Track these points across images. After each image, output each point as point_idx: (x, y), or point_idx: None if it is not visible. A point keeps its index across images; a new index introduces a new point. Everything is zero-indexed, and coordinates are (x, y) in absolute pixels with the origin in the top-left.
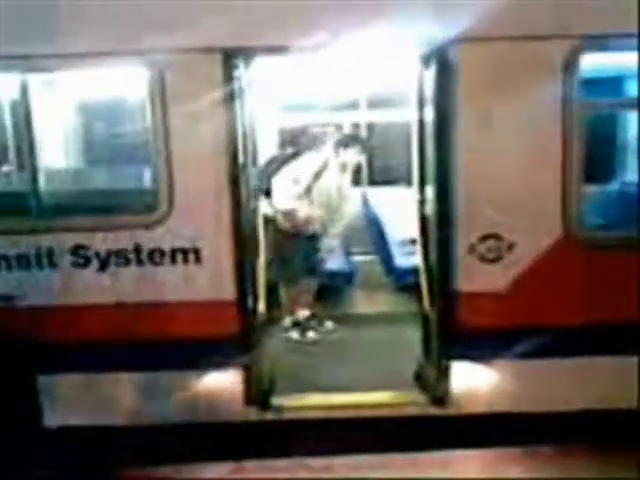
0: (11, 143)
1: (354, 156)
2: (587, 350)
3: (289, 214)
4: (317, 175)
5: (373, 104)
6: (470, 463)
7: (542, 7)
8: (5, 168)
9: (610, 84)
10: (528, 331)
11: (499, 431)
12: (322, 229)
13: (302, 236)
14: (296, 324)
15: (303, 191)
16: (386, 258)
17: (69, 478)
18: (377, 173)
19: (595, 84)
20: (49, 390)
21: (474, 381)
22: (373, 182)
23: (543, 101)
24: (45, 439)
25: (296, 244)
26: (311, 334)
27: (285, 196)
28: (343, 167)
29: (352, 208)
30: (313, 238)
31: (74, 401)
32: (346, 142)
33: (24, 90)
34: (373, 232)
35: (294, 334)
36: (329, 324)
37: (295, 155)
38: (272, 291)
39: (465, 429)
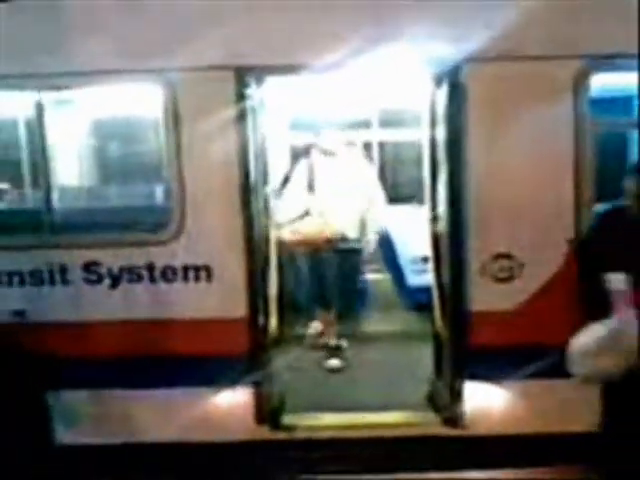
0: (26, 161)
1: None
2: None
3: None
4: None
5: (385, 123)
6: None
7: (552, 27)
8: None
9: (620, 104)
10: (542, 351)
11: (512, 452)
12: (355, 241)
13: (337, 250)
14: (327, 348)
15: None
16: (398, 277)
17: None
18: (388, 191)
19: (605, 103)
20: (60, 406)
21: (487, 402)
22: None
23: (554, 120)
24: (57, 456)
25: (333, 260)
26: (336, 361)
27: (284, 209)
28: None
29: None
30: (351, 253)
31: (85, 418)
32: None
33: (39, 108)
34: (385, 250)
35: (323, 358)
36: (343, 343)
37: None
38: (283, 309)
39: (478, 450)
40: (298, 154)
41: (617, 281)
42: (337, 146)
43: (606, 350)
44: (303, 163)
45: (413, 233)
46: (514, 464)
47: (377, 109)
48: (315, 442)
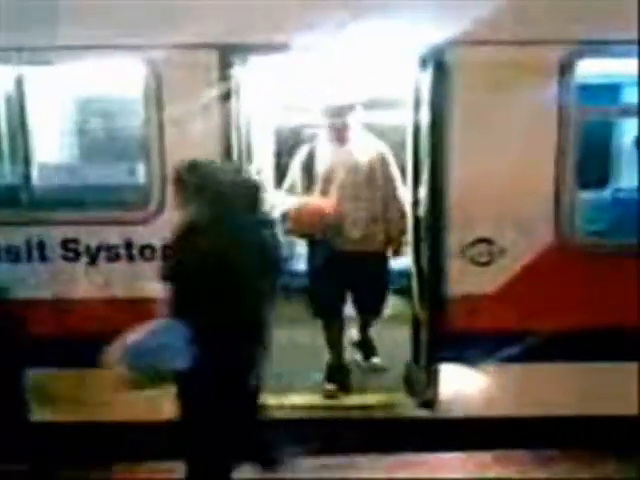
0: (5, 136)
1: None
2: (578, 355)
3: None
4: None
5: (369, 105)
6: (457, 466)
7: (539, 12)
8: None
9: (606, 91)
10: (519, 335)
11: (487, 435)
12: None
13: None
14: (360, 345)
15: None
16: None
17: (56, 473)
18: None
19: (591, 90)
20: (37, 385)
21: (463, 384)
22: None
23: (539, 106)
24: (32, 433)
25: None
26: (377, 360)
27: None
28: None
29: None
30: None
31: (62, 396)
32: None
33: (19, 83)
34: None
35: (358, 356)
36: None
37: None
38: None
39: (453, 432)
40: (298, 140)
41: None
42: (354, 131)
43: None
44: (304, 150)
45: None
46: (489, 447)
47: (362, 92)
48: (288, 422)
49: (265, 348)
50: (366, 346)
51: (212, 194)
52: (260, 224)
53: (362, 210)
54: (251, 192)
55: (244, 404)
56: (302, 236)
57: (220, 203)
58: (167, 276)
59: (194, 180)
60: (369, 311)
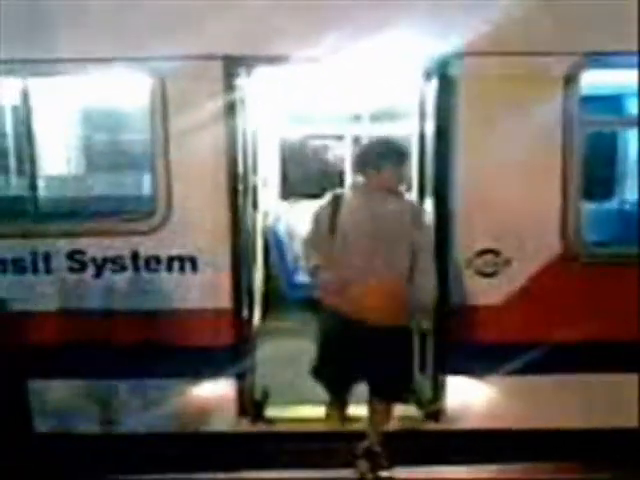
0: (11, 148)
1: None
2: (585, 367)
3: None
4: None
5: (375, 117)
6: (463, 479)
7: (544, 23)
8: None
9: (611, 102)
10: (525, 347)
11: (493, 447)
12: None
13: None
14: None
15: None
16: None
17: None
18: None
19: (595, 101)
20: (40, 395)
21: (469, 396)
22: None
23: (543, 117)
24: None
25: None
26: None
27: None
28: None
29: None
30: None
31: (66, 407)
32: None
33: (25, 95)
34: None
35: (363, 465)
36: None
37: None
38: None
39: (459, 445)
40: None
41: None
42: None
43: None
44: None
45: None
46: (495, 460)
47: (368, 103)
48: (297, 435)
49: None
50: (376, 456)
51: None
52: None
53: (387, 268)
54: None
55: None
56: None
57: None
58: None
59: None
60: (386, 396)
